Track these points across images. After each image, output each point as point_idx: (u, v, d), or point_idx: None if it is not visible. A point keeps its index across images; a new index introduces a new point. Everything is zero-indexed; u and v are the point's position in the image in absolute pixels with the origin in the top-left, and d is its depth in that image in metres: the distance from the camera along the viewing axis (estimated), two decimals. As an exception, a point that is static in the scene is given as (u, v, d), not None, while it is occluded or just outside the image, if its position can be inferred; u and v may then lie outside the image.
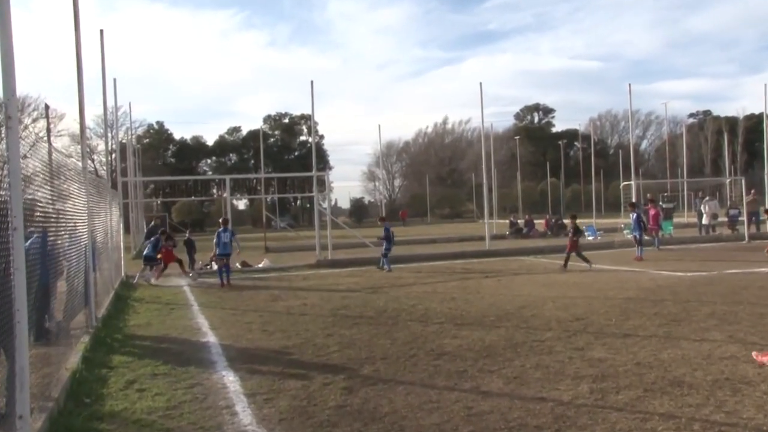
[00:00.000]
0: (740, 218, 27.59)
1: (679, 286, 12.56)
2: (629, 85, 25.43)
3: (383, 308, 11.32)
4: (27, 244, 5.11)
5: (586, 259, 16.43)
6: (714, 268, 14.78)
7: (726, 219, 28.80)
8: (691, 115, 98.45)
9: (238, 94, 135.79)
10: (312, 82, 22.48)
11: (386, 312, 10.91)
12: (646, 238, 22.94)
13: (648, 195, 30.47)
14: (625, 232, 26.54)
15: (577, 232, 17.28)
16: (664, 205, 28.24)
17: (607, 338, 8.07)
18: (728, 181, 42.51)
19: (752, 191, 27.92)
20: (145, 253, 18.19)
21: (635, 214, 19.19)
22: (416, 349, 7.91)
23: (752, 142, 76.99)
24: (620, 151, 53.08)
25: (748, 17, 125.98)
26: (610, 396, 5.67)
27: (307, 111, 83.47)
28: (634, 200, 24.46)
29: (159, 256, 17.82)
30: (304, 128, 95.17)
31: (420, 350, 7.82)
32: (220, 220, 17.92)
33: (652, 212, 22.93)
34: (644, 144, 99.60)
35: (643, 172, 69.87)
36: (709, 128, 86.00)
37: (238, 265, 20.25)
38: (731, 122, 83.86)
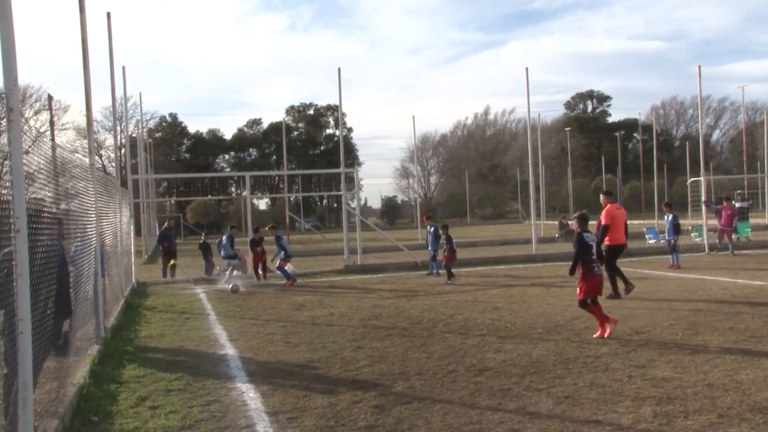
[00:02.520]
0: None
1: (759, 297, 12.26)
2: (699, 67, 24.93)
3: (418, 318, 11.30)
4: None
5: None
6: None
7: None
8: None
9: (257, 84, 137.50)
10: (339, 69, 22.55)
11: (422, 323, 10.88)
12: (716, 241, 22.51)
13: (722, 193, 29.88)
14: (693, 234, 26.05)
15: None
16: (738, 204, 27.63)
17: (672, 355, 7.91)
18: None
19: None
20: (224, 254, 19.23)
21: (671, 216, 18.73)
22: (455, 364, 7.87)
23: None
24: (687, 142, 52.16)
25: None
26: (677, 421, 5.55)
27: (334, 101, 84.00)
28: (704, 198, 24.03)
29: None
30: (331, 120, 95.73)
31: (459, 365, 7.78)
32: (268, 228, 19.65)
33: (726, 212, 22.44)
34: (716, 134, 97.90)
35: (714, 166, 68.63)
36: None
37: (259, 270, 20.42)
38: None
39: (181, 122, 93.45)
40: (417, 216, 46.23)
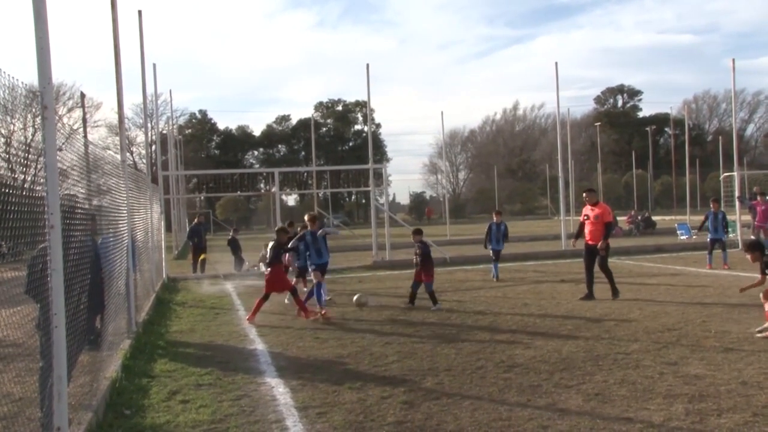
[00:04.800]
0: None
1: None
2: (732, 60, 24.49)
3: (447, 314, 11.28)
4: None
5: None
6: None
7: None
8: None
9: (286, 80, 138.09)
10: (368, 65, 22.56)
11: (450, 319, 10.86)
12: (752, 237, 22.07)
13: (755, 188, 29.32)
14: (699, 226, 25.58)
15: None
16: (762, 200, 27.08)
17: (705, 352, 7.80)
18: None
19: None
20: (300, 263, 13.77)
21: (721, 213, 17.82)
22: (484, 360, 7.85)
23: None
24: (720, 137, 51.28)
25: None
26: (710, 419, 5.47)
27: (362, 97, 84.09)
28: (737, 194, 23.60)
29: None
30: (359, 116, 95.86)
31: (488, 361, 7.75)
32: (306, 218, 13.12)
33: (761, 208, 22.02)
34: (750, 129, 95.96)
35: (748, 161, 67.40)
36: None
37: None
38: None
39: (211, 119, 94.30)
40: (446, 212, 46.15)
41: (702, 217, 18.28)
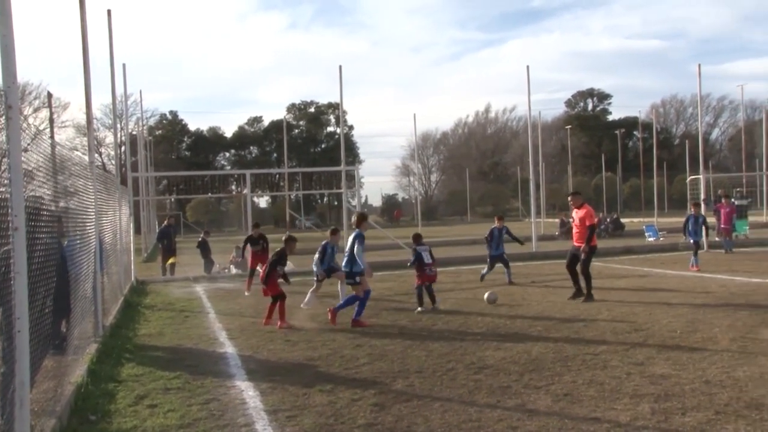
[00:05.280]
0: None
1: (757, 295, 12.25)
2: (698, 65, 24.90)
3: (418, 316, 11.30)
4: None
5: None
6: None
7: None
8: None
9: (258, 82, 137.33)
10: (340, 67, 22.56)
11: (421, 320, 10.89)
12: (716, 239, 22.46)
13: (720, 191, 29.86)
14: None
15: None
16: (737, 202, 27.65)
17: (671, 352, 7.91)
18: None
19: None
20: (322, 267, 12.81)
21: (702, 217, 17.91)
22: (454, 361, 7.87)
23: None
24: (687, 141, 52.08)
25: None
26: (675, 418, 5.55)
27: (335, 99, 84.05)
28: (703, 196, 24.02)
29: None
30: (332, 118, 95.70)
31: (459, 363, 7.78)
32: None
33: (725, 210, 22.44)
34: (715, 133, 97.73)
35: (713, 164, 68.50)
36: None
37: (258, 268, 20.43)
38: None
39: (182, 120, 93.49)
40: (418, 214, 46.24)
41: (670, 219, 18.57)
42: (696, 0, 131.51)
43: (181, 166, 79.40)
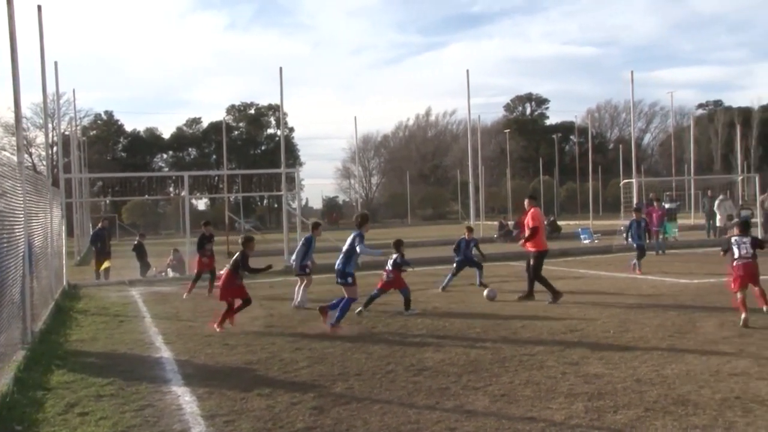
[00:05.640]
0: (753, 220, 27.96)
1: (685, 295, 12.70)
2: (631, 72, 25.73)
3: (358, 319, 11.30)
4: None
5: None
6: (724, 274, 14.94)
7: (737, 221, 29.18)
8: (700, 106, 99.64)
9: (196, 82, 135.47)
10: (281, 68, 22.39)
11: (362, 323, 10.89)
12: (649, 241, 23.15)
13: (651, 195, 30.81)
14: (625, 235, 26.77)
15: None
16: (667, 205, 28.58)
17: (604, 352, 8.12)
18: (740, 178, 43.18)
19: None
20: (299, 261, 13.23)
21: (642, 221, 18.20)
22: (394, 364, 7.90)
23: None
24: (620, 145, 53.77)
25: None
26: (607, 416, 5.70)
27: (275, 101, 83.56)
28: (635, 200, 24.75)
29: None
30: (272, 120, 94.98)
31: (398, 365, 7.81)
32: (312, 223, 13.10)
33: (656, 213, 23.17)
34: (647, 138, 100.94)
35: (645, 168, 70.78)
36: (720, 120, 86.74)
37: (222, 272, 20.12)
38: (744, 113, 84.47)
39: (117, 120, 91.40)
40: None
41: (604, 222, 19.00)
42: (629, 8, 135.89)
43: (116, 167, 77.52)
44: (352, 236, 10.93)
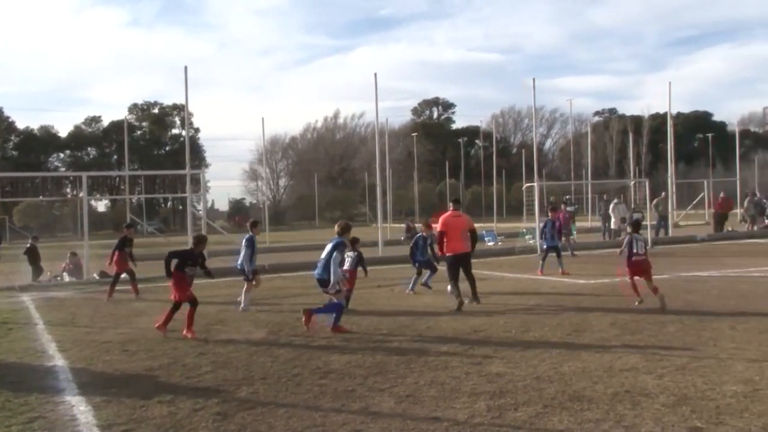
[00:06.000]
0: (644, 222, 29.43)
1: (582, 295, 13.21)
2: (533, 80, 26.58)
3: (264, 322, 11.16)
4: None
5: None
6: (616, 274, 15.65)
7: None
8: (597, 114, 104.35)
9: (96, 79, 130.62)
10: (186, 68, 21.87)
11: (267, 327, 10.76)
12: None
13: (552, 198, 31.91)
14: (527, 237, 27.63)
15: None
16: (568, 209, 29.67)
17: (506, 351, 8.34)
18: (632, 183, 45.34)
19: (663, 193, 29.97)
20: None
21: (557, 221, 18.18)
22: (300, 367, 7.85)
23: (657, 142, 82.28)
24: (523, 150, 55.44)
25: (650, 12, 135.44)
26: (508, 413, 5.86)
27: (180, 100, 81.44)
28: (536, 202, 25.54)
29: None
30: (177, 120, 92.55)
31: (304, 369, 7.76)
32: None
33: (564, 216, 23.95)
34: (548, 143, 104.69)
35: (547, 172, 73.32)
36: (614, 127, 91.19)
37: (95, 275, 19.34)
38: (636, 121, 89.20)
39: (9, 117, 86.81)
40: (266, 219, 45.69)
41: (508, 224, 19.43)
42: (531, 18, 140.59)
43: (7, 166, 73.50)
44: (332, 244, 10.51)
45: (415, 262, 14.68)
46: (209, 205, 78.48)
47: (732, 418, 5.57)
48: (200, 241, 11.04)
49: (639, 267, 11.48)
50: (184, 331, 10.02)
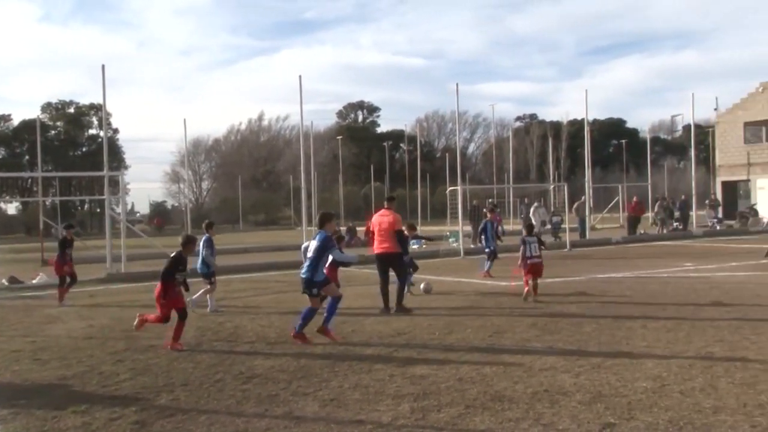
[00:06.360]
0: (562, 225, 30.30)
1: (503, 296, 13.49)
2: (456, 85, 27.02)
3: (187, 327, 10.90)
4: None
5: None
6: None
7: (549, 226, 31.51)
8: (518, 119, 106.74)
9: (4, 76, 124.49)
10: (103, 66, 21.21)
11: (189, 332, 10.50)
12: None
13: (474, 201, 32.44)
14: (451, 240, 28.01)
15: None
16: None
17: (430, 353, 8.44)
18: (552, 187, 46.65)
19: (583, 197, 30.95)
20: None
21: (494, 224, 18.11)
22: (223, 372, 7.73)
23: (575, 147, 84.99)
24: (447, 154, 56.11)
25: (567, 21, 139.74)
26: (431, 415, 5.93)
27: (98, 100, 78.86)
28: (459, 206, 25.93)
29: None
30: (95, 120, 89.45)
31: (227, 374, 7.65)
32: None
33: (497, 219, 24.39)
34: (471, 147, 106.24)
35: (470, 176, 74.41)
36: (535, 133, 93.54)
37: (4, 281, 18.50)
38: (556, 127, 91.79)
39: None
40: (188, 222, 44.72)
41: (432, 227, 19.56)
42: (454, 24, 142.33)
43: None
44: (319, 239, 9.61)
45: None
46: (129, 207, 76.22)
47: (642, 413, 5.81)
48: (189, 241, 9.94)
49: (534, 268, 12.67)
50: (170, 343, 9.14)
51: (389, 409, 6.11)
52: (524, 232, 13.42)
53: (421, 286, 13.68)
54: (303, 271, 9.61)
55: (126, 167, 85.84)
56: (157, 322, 9.42)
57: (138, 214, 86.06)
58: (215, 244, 13.35)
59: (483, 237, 18.11)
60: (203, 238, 12.84)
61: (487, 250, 17.44)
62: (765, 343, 8.43)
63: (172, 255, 9.59)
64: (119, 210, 24.83)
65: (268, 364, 8.10)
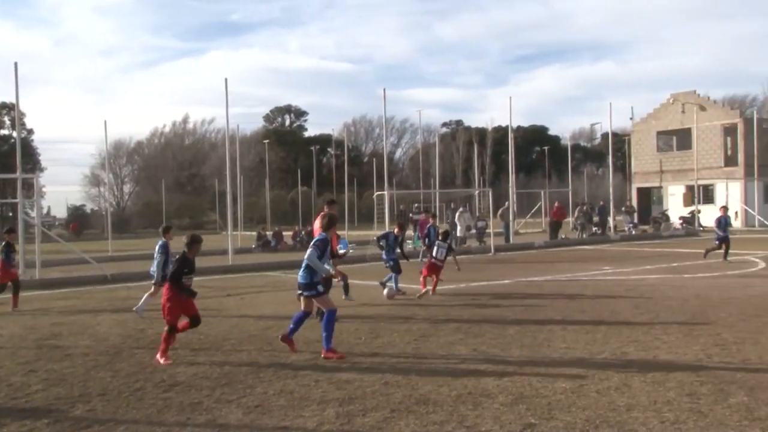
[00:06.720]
0: (487, 230, 30.87)
1: (429, 301, 13.63)
2: (384, 90, 27.14)
3: (105, 335, 10.60)
4: None
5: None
6: (461, 281, 16.31)
7: (474, 231, 32.03)
8: (445, 125, 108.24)
9: None
10: (16, 64, 20.39)
11: (108, 340, 10.23)
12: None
13: (401, 206, 32.68)
14: (408, 242, 27.98)
15: None
16: (415, 217, 30.54)
17: (356, 358, 8.45)
18: (477, 192, 47.48)
19: (507, 203, 31.56)
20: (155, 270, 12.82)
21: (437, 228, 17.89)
22: (143, 381, 7.54)
23: (500, 153, 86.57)
24: (374, 159, 56.32)
25: (492, 29, 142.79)
26: (356, 419, 5.93)
27: (10, 99, 75.60)
28: (386, 211, 26.08)
29: None
30: (7, 120, 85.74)
31: (148, 382, 7.46)
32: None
33: (426, 224, 24.56)
34: (399, 152, 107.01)
35: (397, 181, 74.98)
36: (461, 138, 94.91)
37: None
38: (481, 133, 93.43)
39: None
40: (108, 226, 43.43)
41: (359, 232, 19.65)
42: (381, 29, 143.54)
43: None
44: (315, 240, 9.18)
45: (387, 261, 14.91)
46: (45, 211, 73.40)
47: (561, 413, 5.98)
48: (194, 241, 9.11)
49: (434, 269, 14.14)
50: (158, 355, 8.60)
51: (314, 415, 6.08)
52: (440, 238, 14.85)
53: (384, 291, 14.00)
54: (299, 276, 8.99)
55: (42, 169, 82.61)
56: (184, 329, 8.86)
57: (55, 218, 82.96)
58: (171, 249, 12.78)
59: (426, 241, 17.37)
60: (159, 243, 12.90)
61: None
62: (674, 343, 8.82)
63: (177, 257, 9.10)
64: (33, 214, 23.83)
65: (190, 371, 7.94)
